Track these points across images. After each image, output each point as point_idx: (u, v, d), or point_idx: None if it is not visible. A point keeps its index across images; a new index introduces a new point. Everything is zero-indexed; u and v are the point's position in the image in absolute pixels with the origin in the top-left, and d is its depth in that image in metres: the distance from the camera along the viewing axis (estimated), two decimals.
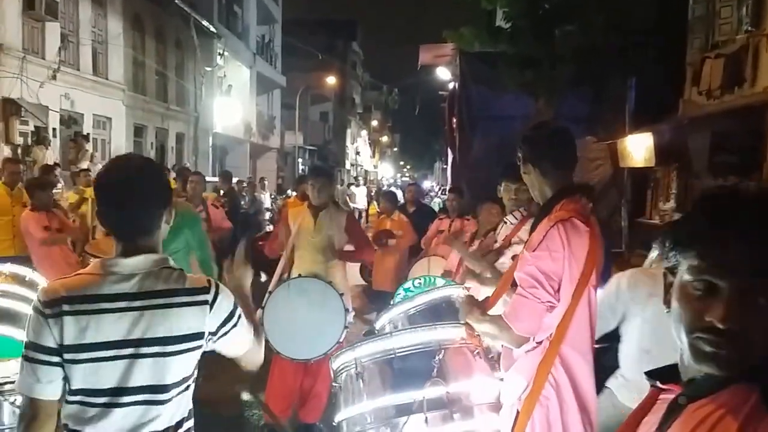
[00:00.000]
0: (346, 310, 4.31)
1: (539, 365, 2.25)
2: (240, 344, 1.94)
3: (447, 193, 7.11)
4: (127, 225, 1.81)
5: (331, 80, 36.04)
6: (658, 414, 1.08)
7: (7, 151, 12.08)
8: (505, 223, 3.87)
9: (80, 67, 14.84)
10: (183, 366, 1.79)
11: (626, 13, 10.68)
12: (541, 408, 2.25)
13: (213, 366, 2.33)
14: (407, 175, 66.36)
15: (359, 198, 23.13)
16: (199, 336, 1.80)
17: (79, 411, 1.74)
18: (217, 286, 1.86)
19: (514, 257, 3.13)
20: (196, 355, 1.83)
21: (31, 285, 4.65)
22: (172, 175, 14.37)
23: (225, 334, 1.85)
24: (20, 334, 4.25)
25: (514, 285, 2.36)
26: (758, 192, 1.02)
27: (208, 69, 21.94)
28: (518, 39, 11.16)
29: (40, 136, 12.98)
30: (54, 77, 13.46)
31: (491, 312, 2.43)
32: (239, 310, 1.90)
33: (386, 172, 60.24)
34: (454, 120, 13.15)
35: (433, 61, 16.08)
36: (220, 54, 22.62)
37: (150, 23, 18.60)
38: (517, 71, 11.04)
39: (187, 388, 1.83)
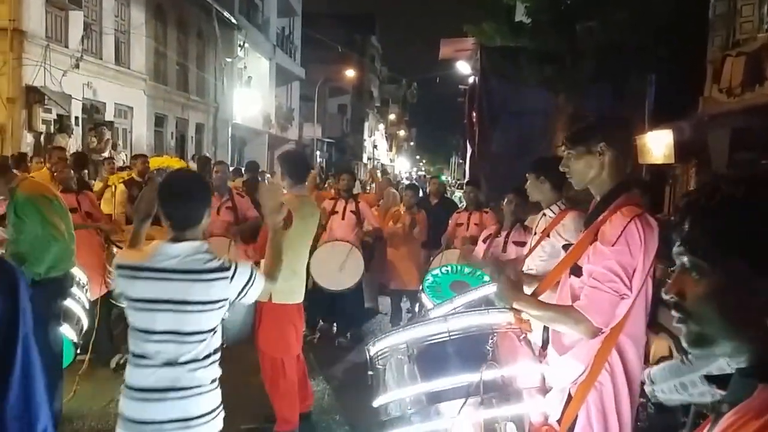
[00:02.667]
0: None
1: (598, 352, 2.30)
2: (255, 296, 2.77)
3: (464, 186, 7.09)
4: (179, 220, 2.62)
5: (350, 73, 36.11)
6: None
7: (29, 139, 12.28)
8: (544, 215, 3.84)
9: (103, 56, 15.02)
10: (207, 320, 2.59)
11: (647, 10, 10.65)
12: (596, 392, 2.31)
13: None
14: (423, 169, 66.33)
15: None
16: (221, 300, 2.62)
17: (133, 342, 2.60)
18: (236, 266, 2.65)
19: (566, 247, 3.13)
20: (220, 313, 2.63)
21: (81, 287, 4.85)
22: (192, 164, 14.64)
23: (245, 295, 2.71)
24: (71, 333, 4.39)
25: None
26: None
27: (229, 60, 22.08)
28: (539, 34, 11.13)
29: (62, 124, 13.19)
30: (77, 66, 13.63)
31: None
32: (254, 274, 2.72)
33: (402, 166, 60.23)
34: (474, 114, 13.14)
35: (453, 55, 16.07)
36: (240, 45, 22.75)
37: (172, 14, 18.77)
38: (537, 66, 11.02)
39: (213, 334, 2.62)
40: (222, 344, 2.76)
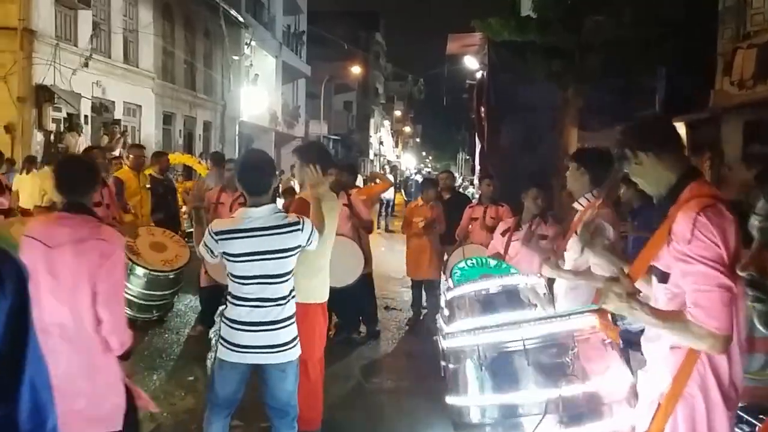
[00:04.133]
0: None
1: (684, 359, 2.10)
2: (315, 243, 3.47)
3: (480, 180, 7.08)
4: (256, 188, 3.33)
5: (355, 70, 36.07)
6: None
7: (39, 138, 12.33)
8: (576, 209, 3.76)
9: (111, 55, 15.08)
10: (289, 264, 3.34)
11: (656, 4, 10.57)
12: (686, 405, 2.09)
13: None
14: (429, 165, 66.22)
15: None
16: (297, 247, 3.34)
17: (232, 286, 3.32)
18: (303, 220, 3.38)
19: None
20: (296, 257, 3.37)
21: None
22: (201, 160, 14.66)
23: (310, 242, 3.41)
24: None
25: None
26: None
27: (236, 58, 22.09)
28: (547, 29, 11.07)
29: (72, 123, 13.22)
30: (86, 65, 13.67)
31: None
32: (314, 227, 3.43)
33: (408, 163, 60.17)
34: (483, 109, 13.11)
35: (460, 51, 15.99)
36: (247, 44, 22.76)
37: (179, 12, 18.81)
38: (545, 61, 10.95)
39: (291, 276, 3.38)
40: None
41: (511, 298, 3.48)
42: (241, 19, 21.72)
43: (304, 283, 4.12)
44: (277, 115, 27.65)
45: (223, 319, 3.35)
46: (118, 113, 15.37)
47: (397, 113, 61.76)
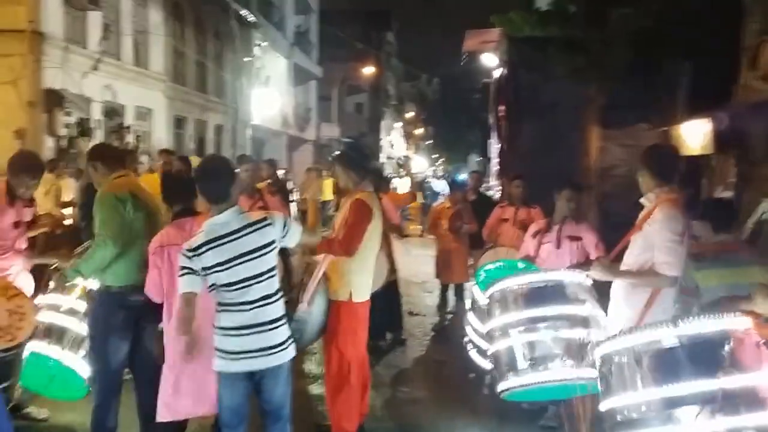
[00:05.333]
0: (297, 302, 4.18)
1: None
2: (296, 236, 3.56)
3: (510, 180, 7.12)
4: (216, 197, 3.36)
5: (367, 71, 35.88)
6: None
7: (50, 143, 12.12)
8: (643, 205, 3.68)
9: (121, 57, 14.85)
10: (269, 261, 3.36)
11: None
12: None
13: None
14: (441, 167, 65.97)
15: (401, 191, 22.69)
16: (272, 242, 3.37)
17: (219, 295, 3.32)
18: (273, 216, 3.44)
19: None
20: (275, 253, 3.41)
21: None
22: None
23: (287, 234, 3.47)
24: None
25: None
26: None
27: (247, 59, 21.88)
28: (569, 23, 10.88)
29: (84, 128, 13.00)
30: (96, 68, 13.45)
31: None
32: (287, 220, 3.50)
33: (420, 165, 59.92)
34: (503, 108, 13.00)
35: (478, 47, 15.89)
36: (258, 44, 22.54)
37: (189, 13, 18.58)
38: (567, 57, 10.83)
39: (275, 273, 3.40)
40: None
41: (557, 292, 3.46)
42: (251, 18, 21.48)
43: (359, 281, 4.39)
44: (289, 117, 27.46)
45: (216, 329, 3.35)
46: (129, 117, 15.15)
47: (409, 115, 61.55)
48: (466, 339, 4.68)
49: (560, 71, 11.02)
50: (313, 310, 4.16)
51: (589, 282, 3.54)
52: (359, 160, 4.61)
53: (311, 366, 6.19)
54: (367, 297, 4.48)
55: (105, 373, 3.89)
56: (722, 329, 2.33)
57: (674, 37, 10.55)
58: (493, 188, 17.63)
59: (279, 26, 26.24)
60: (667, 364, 2.38)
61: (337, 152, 4.95)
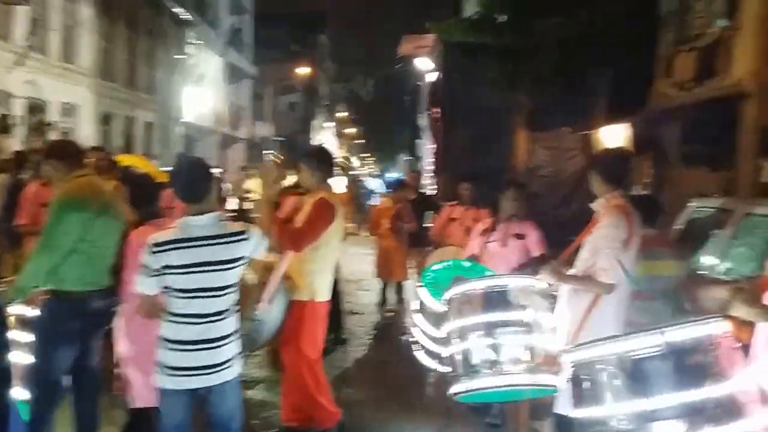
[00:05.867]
0: (256, 301, 4.10)
1: None
2: (262, 251, 3.33)
3: (461, 182, 7.07)
4: (192, 195, 3.14)
5: (300, 71, 35.81)
6: None
7: None
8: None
9: (48, 52, 14.39)
10: (233, 276, 3.14)
11: (604, 8, 10.96)
12: None
13: None
14: (370, 167, 66.21)
15: (337, 190, 22.70)
16: (242, 258, 3.16)
17: (171, 301, 3.07)
18: (251, 230, 3.23)
19: None
20: (242, 269, 3.20)
21: None
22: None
23: (256, 251, 3.26)
24: None
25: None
26: None
27: (180, 57, 21.52)
28: (500, 31, 11.25)
29: (5, 124, 12.55)
30: (20, 63, 13.00)
31: None
32: (262, 238, 3.28)
33: (351, 164, 60.03)
34: (437, 110, 13.30)
35: (413, 52, 16.20)
36: (191, 43, 22.20)
37: (121, 9, 18.17)
38: (498, 63, 11.18)
39: (235, 288, 3.17)
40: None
41: (501, 298, 3.44)
42: (185, 16, 21.15)
43: (321, 282, 4.36)
44: (222, 116, 27.15)
45: (161, 341, 3.11)
46: (54, 114, 14.68)
47: (341, 115, 61.63)
48: (411, 339, 4.59)
49: (491, 77, 11.41)
50: (272, 309, 4.09)
51: (542, 285, 3.47)
52: (326, 160, 4.56)
53: (252, 370, 6.00)
54: (329, 297, 4.45)
55: (46, 383, 3.65)
56: (705, 335, 2.27)
57: (596, 46, 11.01)
58: (425, 187, 18.00)
59: (213, 25, 25.91)
60: (650, 373, 2.28)
61: (306, 151, 4.92)
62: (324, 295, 4.38)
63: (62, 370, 3.68)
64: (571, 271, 3.57)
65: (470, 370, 3.28)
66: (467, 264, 4.55)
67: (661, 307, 3.88)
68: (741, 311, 2.26)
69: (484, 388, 3.26)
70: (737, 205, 5.29)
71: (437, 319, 4.09)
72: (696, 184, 9.50)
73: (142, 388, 3.65)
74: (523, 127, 12.25)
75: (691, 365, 2.25)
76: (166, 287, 3.08)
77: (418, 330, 4.48)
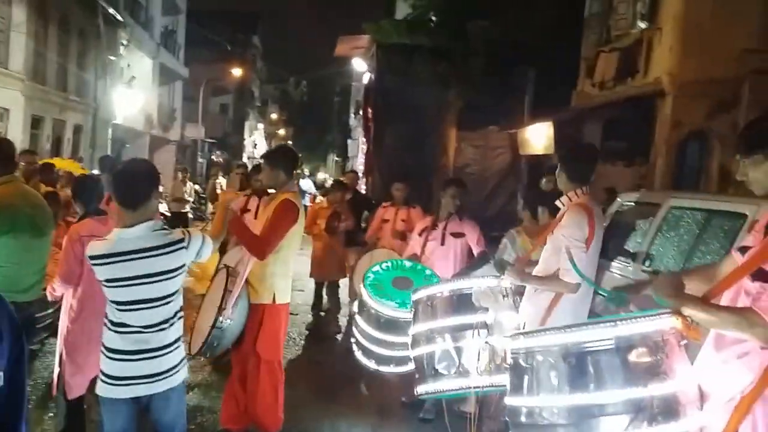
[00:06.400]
0: (221, 309, 3.96)
1: None
2: (208, 254, 3.22)
3: (394, 183, 7.13)
4: (129, 201, 2.98)
5: (233, 73, 35.54)
6: None
7: None
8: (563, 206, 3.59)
9: None
10: (172, 286, 3.01)
11: (531, 10, 11.32)
12: (765, 406, 2.01)
13: None
14: (300, 168, 65.86)
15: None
16: (181, 267, 3.04)
17: (110, 311, 2.99)
18: (189, 235, 3.08)
19: (743, 250, 2.56)
20: (181, 278, 3.06)
21: None
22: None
23: (200, 256, 3.15)
24: None
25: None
26: None
27: (112, 58, 21.17)
28: (434, 33, 11.53)
29: None
30: None
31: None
32: (205, 237, 3.17)
33: None
34: (370, 110, 13.44)
35: (349, 53, 16.22)
36: (123, 44, 21.88)
37: (54, 10, 17.75)
38: (431, 63, 11.47)
39: (176, 298, 3.05)
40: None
41: (463, 301, 3.38)
42: (118, 17, 20.83)
43: (282, 283, 4.31)
44: (153, 118, 26.76)
45: (102, 349, 3.03)
46: None
47: (273, 116, 61.24)
48: (350, 339, 4.53)
49: (424, 77, 11.67)
50: (234, 316, 4.03)
51: (505, 284, 3.39)
52: (291, 160, 4.44)
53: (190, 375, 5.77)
54: (289, 298, 4.40)
55: None
56: (657, 331, 2.16)
57: (523, 47, 11.39)
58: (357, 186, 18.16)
59: (146, 26, 25.49)
60: (590, 367, 2.17)
61: (268, 151, 4.86)
62: (285, 296, 4.31)
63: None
64: (535, 271, 3.56)
65: (435, 372, 3.26)
66: (408, 264, 4.58)
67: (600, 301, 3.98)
68: (692, 310, 2.12)
69: (447, 390, 3.25)
70: (664, 198, 5.28)
71: (377, 320, 4.17)
72: (614, 179, 9.88)
73: (75, 379, 3.82)
74: (452, 126, 12.54)
75: (636, 361, 2.13)
76: (108, 298, 3.01)
77: (357, 330, 4.42)
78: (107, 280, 2.94)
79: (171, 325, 3.04)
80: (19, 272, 3.73)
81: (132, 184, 3.02)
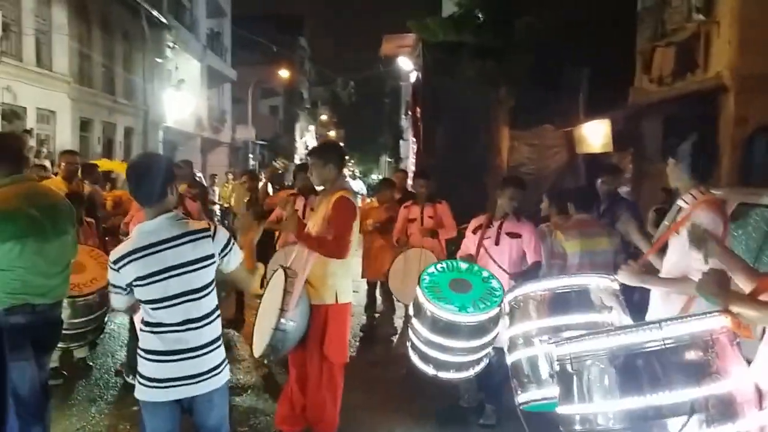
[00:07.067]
0: (282, 311, 3.89)
1: None
2: (234, 262, 3.04)
3: (414, 180, 7.03)
4: (148, 199, 2.92)
5: (282, 74, 35.65)
6: None
7: None
8: (678, 205, 3.38)
9: (23, 57, 14.15)
10: (205, 276, 2.92)
11: (580, 5, 11.03)
12: None
13: None
14: (352, 169, 66.28)
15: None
16: (211, 256, 2.92)
17: (145, 313, 2.91)
18: (215, 227, 2.99)
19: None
20: (213, 268, 2.94)
21: None
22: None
23: (226, 254, 2.99)
24: None
25: None
26: None
27: (159, 61, 21.31)
28: (480, 30, 11.26)
29: None
30: None
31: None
32: (232, 240, 3.02)
33: None
34: (418, 110, 13.29)
35: (395, 52, 16.17)
36: (169, 46, 21.99)
37: (96, 13, 17.92)
38: (478, 61, 11.21)
39: (212, 289, 2.96)
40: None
41: (581, 299, 3.23)
42: (162, 20, 20.96)
43: (344, 283, 4.26)
44: (203, 120, 26.95)
45: (139, 351, 2.94)
46: (31, 120, 14.45)
47: (323, 118, 61.59)
48: (408, 343, 4.40)
49: (472, 75, 11.39)
50: (296, 317, 3.98)
51: (616, 286, 3.29)
52: (340, 154, 4.36)
53: (239, 376, 5.92)
54: (351, 298, 4.35)
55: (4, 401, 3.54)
56: (707, 330, 2.14)
57: (574, 44, 11.08)
58: (411, 187, 17.95)
59: (191, 29, 25.71)
60: (642, 369, 2.15)
61: (314, 148, 4.67)
62: (347, 296, 4.27)
63: (15, 386, 3.45)
64: (661, 274, 3.31)
65: (536, 378, 3.13)
66: (464, 265, 4.41)
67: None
68: (739, 308, 2.14)
69: (552, 398, 3.00)
70: (731, 196, 5.08)
71: (435, 324, 3.99)
72: None
73: None
74: (504, 125, 12.27)
75: (687, 362, 2.13)
76: (139, 300, 2.92)
77: (414, 334, 4.29)
78: (138, 279, 2.83)
79: (208, 323, 2.94)
80: (32, 276, 3.55)
81: (148, 181, 2.91)
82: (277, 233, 6.67)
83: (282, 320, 3.86)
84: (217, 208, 14.47)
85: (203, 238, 2.90)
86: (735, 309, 2.08)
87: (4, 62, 13.13)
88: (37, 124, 14.79)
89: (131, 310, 3.13)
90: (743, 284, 2.32)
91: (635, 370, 2.15)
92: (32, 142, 13.50)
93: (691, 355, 2.12)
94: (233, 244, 3.02)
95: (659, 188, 8.27)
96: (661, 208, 5.05)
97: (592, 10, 11.26)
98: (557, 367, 2.40)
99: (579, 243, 4.53)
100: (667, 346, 2.13)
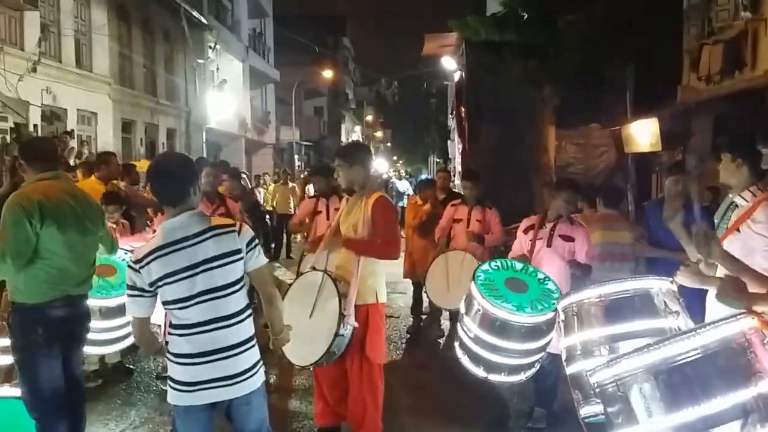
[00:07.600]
0: (342, 315, 3.92)
1: None
2: (260, 262, 2.97)
3: (462, 181, 7.01)
4: (171, 200, 2.88)
5: (326, 75, 35.69)
6: None
7: None
8: (734, 203, 3.34)
9: (62, 59, 14.27)
10: (233, 272, 2.85)
11: (624, 2, 10.88)
12: None
13: None
14: (400, 169, 66.28)
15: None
16: (238, 251, 2.86)
17: (172, 315, 2.85)
18: (240, 224, 2.96)
19: None
20: (240, 264, 2.88)
21: None
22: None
23: (251, 250, 2.91)
24: None
25: None
26: None
27: (200, 62, 21.41)
28: (523, 28, 11.09)
29: (20, 133, 12.45)
30: (34, 70, 12.88)
31: None
32: (256, 240, 2.96)
33: (380, 167, 59.96)
34: (463, 110, 13.18)
35: (437, 51, 16.12)
36: (211, 47, 22.07)
37: (136, 13, 18.04)
38: (521, 60, 11.05)
39: (242, 287, 2.91)
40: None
41: (645, 304, 3.12)
42: (203, 20, 21.04)
43: (382, 282, 4.28)
44: (247, 121, 27.02)
45: (168, 356, 2.88)
46: (72, 122, 14.58)
47: (368, 118, 61.62)
48: (456, 344, 4.37)
49: (516, 74, 11.13)
50: (352, 321, 4.02)
51: (675, 288, 3.20)
52: (367, 154, 4.41)
53: (300, 380, 5.92)
54: (386, 298, 4.40)
55: (37, 395, 3.59)
56: (735, 332, 2.11)
57: (619, 42, 10.83)
58: (457, 188, 17.71)
59: (233, 29, 25.82)
60: (689, 380, 2.10)
61: (339, 150, 4.67)
62: (384, 295, 4.31)
63: (51, 381, 3.61)
64: (719, 274, 3.11)
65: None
66: (519, 265, 4.41)
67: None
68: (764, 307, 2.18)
69: None
70: None
71: (491, 323, 3.96)
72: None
73: None
74: (550, 124, 12.08)
75: (729, 366, 2.09)
76: (164, 302, 2.84)
77: (464, 334, 4.21)
78: (165, 276, 2.77)
79: (238, 321, 2.86)
80: (69, 266, 3.72)
81: (170, 182, 2.88)
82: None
83: (342, 325, 3.90)
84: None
85: (227, 233, 2.86)
86: (759, 308, 2.12)
87: (44, 64, 13.23)
88: (78, 126, 14.92)
89: (151, 347, 3.10)
90: (751, 286, 2.36)
91: (680, 382, 2.11)
92: (73, 143, 13.61)
93: (732, 358, 2.09)
94: (257, 244, 2.98)
95: (706, 187, 8.14)
96: (677, 177, 4.93)
97: (638, 7, 11.02)
98: (598, 392, 2.34)
99: (600, 235, 5.13)
100: (708, 352, 2.10)
